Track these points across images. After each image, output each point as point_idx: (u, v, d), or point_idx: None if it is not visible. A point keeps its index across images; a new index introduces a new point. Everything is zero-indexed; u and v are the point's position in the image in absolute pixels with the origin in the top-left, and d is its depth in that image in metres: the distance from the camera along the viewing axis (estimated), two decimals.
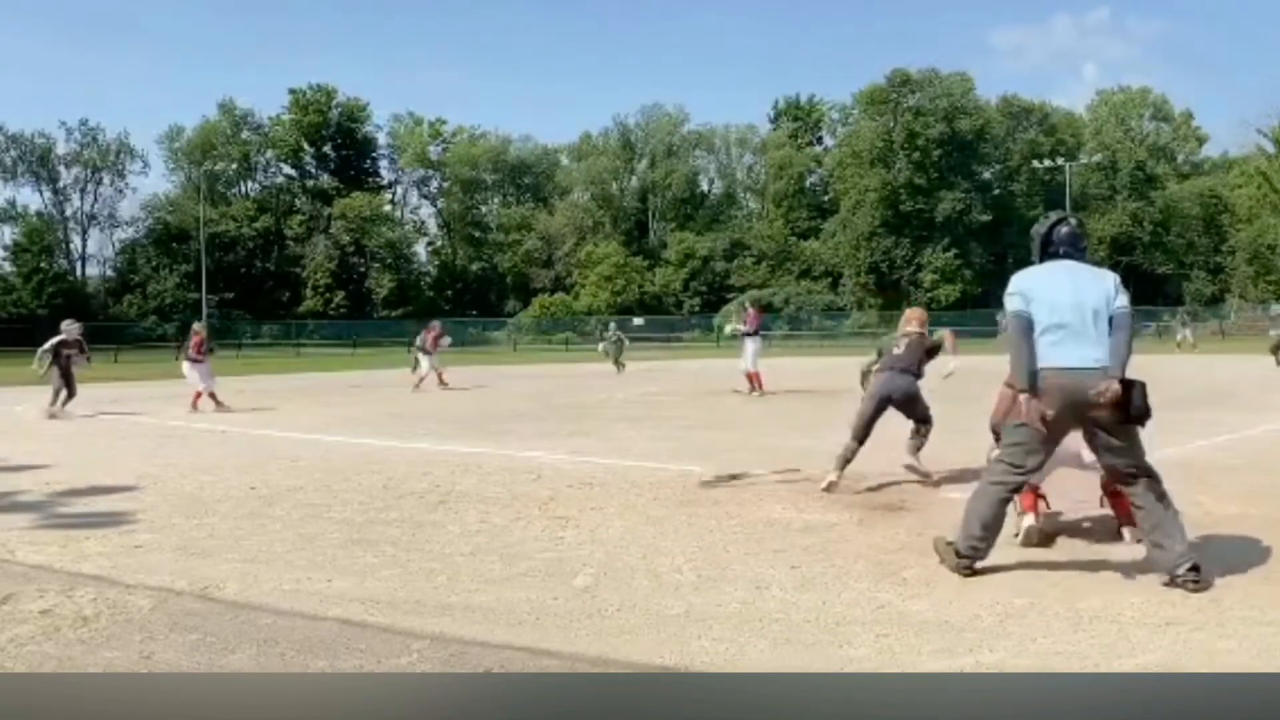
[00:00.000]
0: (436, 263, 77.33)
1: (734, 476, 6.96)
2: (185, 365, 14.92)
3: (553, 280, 70.95)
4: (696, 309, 66.09)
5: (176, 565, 4.65)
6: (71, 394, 13.94)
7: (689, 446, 9.12)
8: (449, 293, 72.14)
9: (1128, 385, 4.09)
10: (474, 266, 75.24)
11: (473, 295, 72.14)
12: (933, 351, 6.92)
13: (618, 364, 24.48)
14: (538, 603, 3.96)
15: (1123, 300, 4.25)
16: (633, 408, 14.34)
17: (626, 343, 26.19)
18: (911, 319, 7.03)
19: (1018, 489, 4.41)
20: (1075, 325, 4.17)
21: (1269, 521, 5.28)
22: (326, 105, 73.84)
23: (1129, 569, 4.28)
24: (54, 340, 14.21)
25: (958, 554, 4.28)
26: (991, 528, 4.28)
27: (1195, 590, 3.93)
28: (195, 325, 15.86)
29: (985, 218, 63.50)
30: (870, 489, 6.45)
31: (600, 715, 1.92)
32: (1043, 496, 5.11)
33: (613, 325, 27.74)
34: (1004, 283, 4.51)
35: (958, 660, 3.22)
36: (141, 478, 7.45)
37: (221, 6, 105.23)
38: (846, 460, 6.49)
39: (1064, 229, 4.47)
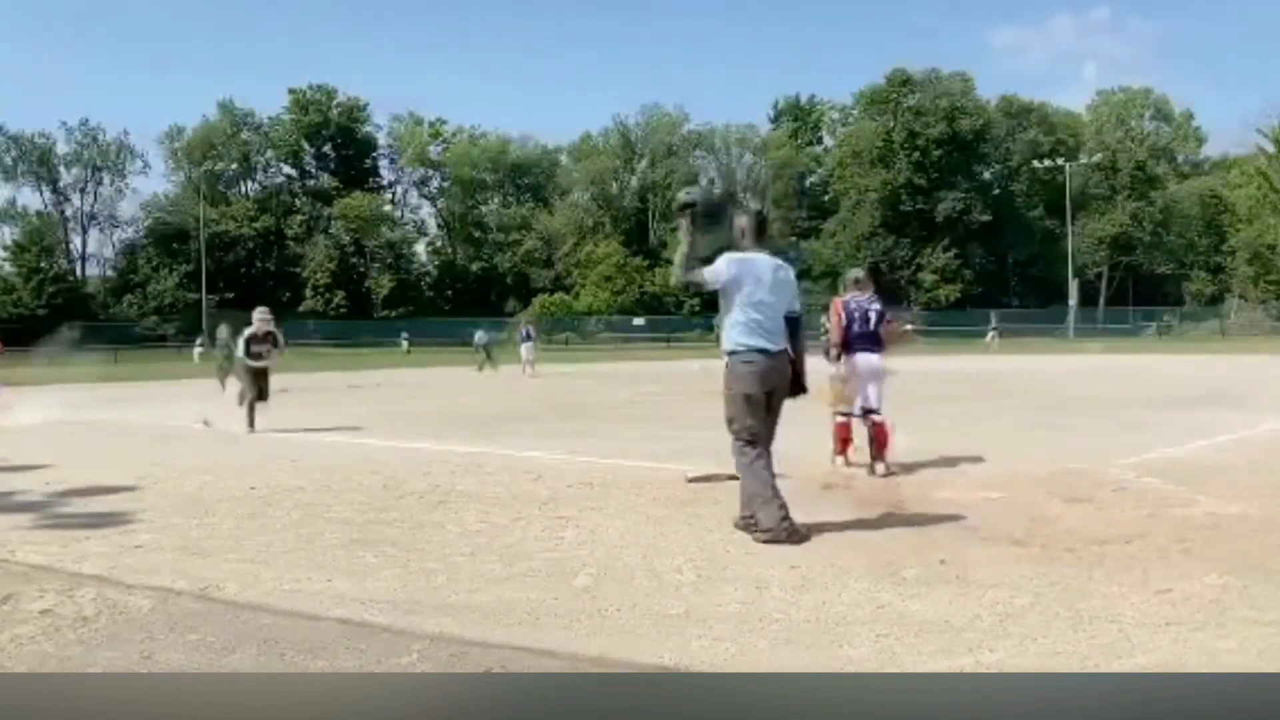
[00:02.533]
0: (436, 263, 77.30)
1: (732, 476, 6.94)
2: None
3: (553, 280, 70.92)
4: (696, 309, 66.01)
5: (176, 565, 4.65)
6: (263, 396, 11.60)
7: (689, 446, 9.11)
8: (449, 293, 72.15)
9: (796, 363, 5.27)
10: (474, 266, 75.20)
11: (473, 295, 72.08)
12: None
13: (491, 366, 26.05)
14: (538, 603, 3.95)
15: (797, 304, 5.39)
16: (633, 408, 14.34)
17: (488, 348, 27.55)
18: None
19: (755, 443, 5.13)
20: (773, 315, 5.10)
21: (1269, 521, 5.28)
22: (326, 105, 73.89)
23: (1130, 568, 4.28)
24: (245, 334, 11.85)
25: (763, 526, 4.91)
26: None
27: (797, 541, 4.80)
28: None
29: (985, 218, 63.47)
30: (871, 488, 6.45)
31: (600, 715, 1.92)
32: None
33: (480, 334, 28.22)
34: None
35: (958, 660, 3.22)
36: (141, 478, 7.44)
37: (221, 6, 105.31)
38: None
39: (750, 220, 5.28)
